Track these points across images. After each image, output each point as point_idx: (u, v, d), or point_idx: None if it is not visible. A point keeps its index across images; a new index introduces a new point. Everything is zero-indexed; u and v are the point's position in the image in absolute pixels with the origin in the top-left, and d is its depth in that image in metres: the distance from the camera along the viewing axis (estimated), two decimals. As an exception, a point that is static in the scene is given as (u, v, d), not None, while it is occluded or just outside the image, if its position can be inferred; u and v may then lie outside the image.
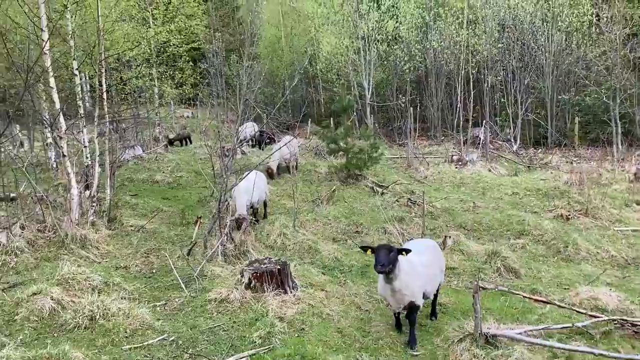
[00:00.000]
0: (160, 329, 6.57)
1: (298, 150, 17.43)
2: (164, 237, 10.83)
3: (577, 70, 23.45)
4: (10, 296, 7.19)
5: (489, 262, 9.30)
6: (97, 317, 6.50)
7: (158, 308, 7.36)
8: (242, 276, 7.46)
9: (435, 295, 7.15)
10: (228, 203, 9.57)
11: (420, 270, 6.26)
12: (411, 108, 22.90)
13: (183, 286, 7.98)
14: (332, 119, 19.65)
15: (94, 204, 10.94)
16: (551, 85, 23.41)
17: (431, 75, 25.68)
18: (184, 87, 21.42)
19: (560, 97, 23.42)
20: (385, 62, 26.53)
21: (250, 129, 22.28)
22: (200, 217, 9.77)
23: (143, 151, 18.79)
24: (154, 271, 9.00)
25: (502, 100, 24.42)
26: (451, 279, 8.88)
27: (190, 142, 21.81)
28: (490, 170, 17.51)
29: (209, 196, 13.59)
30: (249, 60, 30.70)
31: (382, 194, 14.08)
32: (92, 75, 11.87)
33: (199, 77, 27.67)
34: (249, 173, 11.00)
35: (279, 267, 7.42)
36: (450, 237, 10.20)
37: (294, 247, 10.11)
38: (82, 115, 11.15)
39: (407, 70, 24.83)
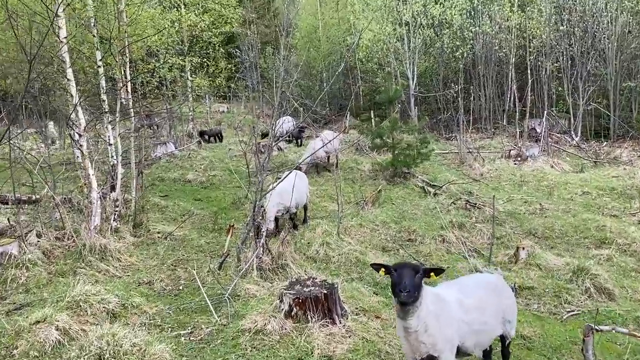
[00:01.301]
0: (182, 372, 5.36)
1: (339, 146, 16.05)
2: (194, 245, 9.70)
3: (644, 54, 21.27)
4: (12, 324, 6.10)
5: (575, 280, 7.75)
6: (107, 356, 5.33)
7: (183, 338, 6.17)
8: (281, 301, 6.19)
9: (505, 342, 5.22)
10: (264, 208, 8.30)
11: (456, 314, 4.40)
12: (462, 99, 21.23)
13: (212, 310, 6.77)
14: (372, 111, 18.23)
15: (117, 209, 9.88)
16: (615, 72, 21.31)
17: (480, 62, 23.87)
18: (218, 79, 20.31)
19: (625, 84, 21.30)
20: (431, 49, 24.84)
21: (287, 124, 21.05)
22: (233, 225, 8.56)
23: (176, 148, 17.80)
24: (181, 287, 7.85)
25: (560, 89, 22.44)
26: (530, 301, 7.40)
27: (222, 139, 20.72)
28: (552, 167, 15.77)
29: (243, 197, 12.41)
30: (285, 51, 29.58)
31: (435, 194, 12.61)
32: (111, 65, 10.72)
33: (233, 70, 26.60)
34: (289, 173, 9.75)
35: (325, 290, 6.11)
36: (523, 247, 8.69)
37: (339, 259, 8.80)
38: (106, 111, 10.09)
39: (458, 56, 23.07)
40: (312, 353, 5.60)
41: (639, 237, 9.59)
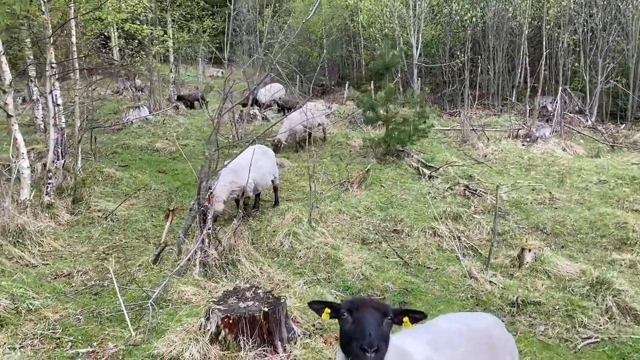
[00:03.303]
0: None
1: (326, 120, 14.38)
2: (137, 229, 8.20)
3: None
4: None
5: (593, 296, 6.21)
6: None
7: (78, 360, 4.70)
8: (207, 320, 4.68)
9: None
10: (212, 191, 6.74)
11: None
12: (468, 72, 19.42)
13: (128, 321, 5.28)
14: (372, 82, 16.50)
15: (50, 181, 8.34)
16: (637, 48, 19.39)
17: (491, 33, 21.93)
18: (202, 35, 18.48)
19: (647, 62, 19.42)
20: (439, 16, 22.86)
21: (280, 92, 19.34)
22: (173, 210, 7.03)
23: (150, 112, 16.17)
24: (106, 284, 6.36)
25: (576, 64, 20.56)
26: (535, 321, 5.88)
27: (206, 105, 19.06)
28: (565, 150, 14.09)
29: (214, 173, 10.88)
30: (282, 15, 27.61)
31: (431, 177, 11.01)
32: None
33: (228, 33, 24.69)
34: (247, 147, 8.17)
35: (265, 308, 4.59)
36: (529, 249, 7.14)
37: (307, 253, 7.28)
38: (31, 63, 8.47)
39: (466, 21, 21.13)
40: (237, 396, 4.12)
41: (668, 240, 8.02)
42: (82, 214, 8.48)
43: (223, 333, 4.51)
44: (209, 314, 4.64)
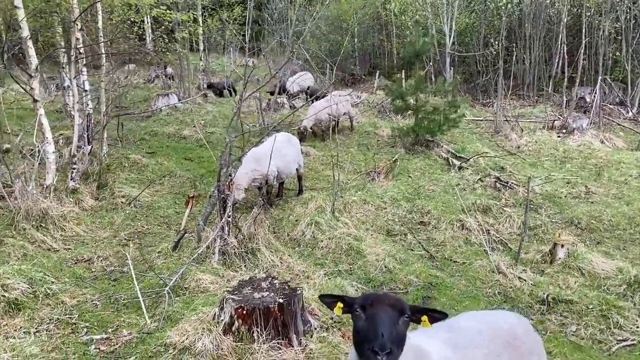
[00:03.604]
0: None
1: (352, 108, 14.10)
2: (159, 215, 8.16)
3: None
4: None
5: (630, 295, 5.86)
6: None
7: (92, 347, 4.64)
8: (221, 309, 4.55)
9: None
10: (232, 178, 6.61)
11: None
12: (502, 60, 18.84)
13: (144, 309, 5.21)
14: (403, 71, 16.12)
15: (74, 166, 8.36)
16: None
17: (527, 21, 21.19)
18: (233, 24, 18.38)
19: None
20: (473, 3, 22.21)
21: (309, 81, 19.12)
22: (193, 196, 6.93)
23: (179, 100, 16.19)
24: (125, 270, 6.30)
25: (617, 54, 19.71)
26: (567, 320, 5.56)
27: (234, 92, 18.99)
28: (603, 142, 13.50)
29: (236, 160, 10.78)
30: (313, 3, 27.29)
31: (461, 168, 10.66)
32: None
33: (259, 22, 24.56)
34: (266, 134, 8.01)
35: (280, 299, 4.44)
36: (562, 244, 6.79)
37: (328, 243, 7.10)
38: (60, 47, 8.47)
39: (502, 8, 20.47)
40: (249, 390, 3.98)
41: None
42: (106, 199, 8.49)
43: (236, 324, 4.38)
44: (223, 304, 4.51)
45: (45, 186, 7.95)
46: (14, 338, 4.58)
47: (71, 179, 8.29)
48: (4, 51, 7.74)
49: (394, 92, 12.17)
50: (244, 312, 4.35)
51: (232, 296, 4.52)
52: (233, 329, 4.40)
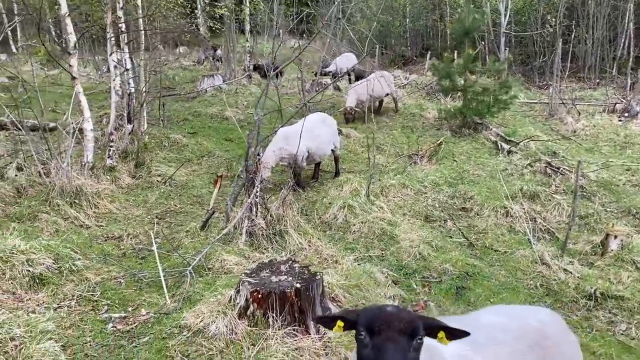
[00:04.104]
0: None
1: (395, 89, 13.61)
2: (193, 194, 8.09)
3: None
4: None
5: (690, 294, 5.30)
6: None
7: (110, 325, 4.57)
8: (237, 292, 4.37)
9: None
10: (260, 157, 6.42)
11: None
12: (560, 40, 17.74)
13: (165, 288, 5.11)
14: (456, 52, 15.44)
15: (111, 144, 8.40)
16: None
17: (591, -2, 19.89)
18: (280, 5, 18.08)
19: None
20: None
21: (352, 63, 18.68)
22: (221, 176, 6.79)
23: (224, 81, 16.16)
24: (154, 249, 6.24)
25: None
26: (616, 318, 5.07)
27: (280, 74, 18.80)
28: (669, 127, 12.48)
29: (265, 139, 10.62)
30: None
31: (509, 152, 10.08)
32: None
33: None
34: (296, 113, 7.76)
35: (298, 284, 4.21)
36: (615, 235, 6.23)
37: (361, 227, 6.82)
38: (101, 26, 8.48)
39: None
40: (260, 378, 3.79)
41: None
42: (142, 178, 8.50)
43: (252, 308, 4.19)
44: (240, 287, 4.33)
45: (83, 164, 8.03)
46: (34, 313, 4.57)
47: (108, 157, 8.34)
48: (39, 29, 7.78)
49: (440, 72, 11.63)
50: (260, 295, 4.15)
51: (248, 279, 4.33)
52: (248, 313, 4.21)
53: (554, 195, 7.89)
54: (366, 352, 1.98)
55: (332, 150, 8.59)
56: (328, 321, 2.19)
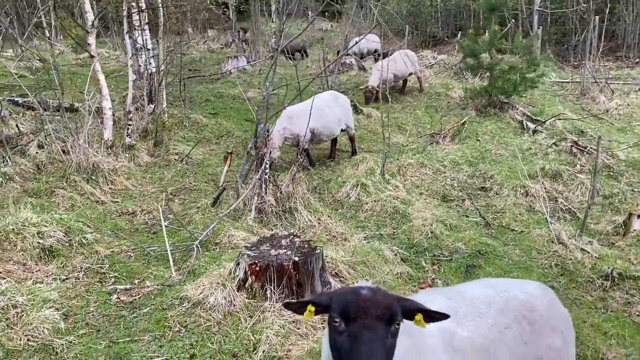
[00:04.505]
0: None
1: (419, 68, 13.31)
2: (208, 172, 8.11)
3: None
4: None
5: None
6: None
7: (114, 297, 4.62)
8: (237, 265, 4.36)
9: None
10: (270, 134, 6.36)
11: None
12: (596, 17, 17.02)
13: (171, 262, 5.14)
14: (486, 31, 15.00)
15: (130, 122, 8.48)
16: None
17: (632, -28, 18.99)
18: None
19: None
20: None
21: (375, 44, 18.38)
22: (231, 153, 6.76)
23: (248, 62, 16.16)
24: (166, 224, 6.29)
25: None
26: (633, 299, 4.84)
27: (307, 55, 18.68)
28: None
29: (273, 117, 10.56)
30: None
31: (535, 132, 9.75)
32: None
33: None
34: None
35: (296, 258, 4.15)
36: (638, 215, 5.95)
37: (373, 206, 6.71)
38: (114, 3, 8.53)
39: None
40: (254, 349, 3.77)
41: None
42: (161, 156, 8.57)
43: (250, 280, 4.16)
44: (239, 260, 4.31)
45: (102, 142, 8.14)
46: (42, 283, 4.67)
47: (127, 135, 8.43)
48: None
49: (465, 50, 11.31)
50: (257, 268, 4.12)
51: (248, 252, 4.30)
52: (247, 285, 4.19)
53: (578, 174, 7.59)
54: (340, 340, 1.82)
55: (343, 129, 8.43)
56: (299, 306, 2.00)
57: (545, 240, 5.84)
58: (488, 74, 12.09)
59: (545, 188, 7.19)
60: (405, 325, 1.94)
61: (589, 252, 5.44)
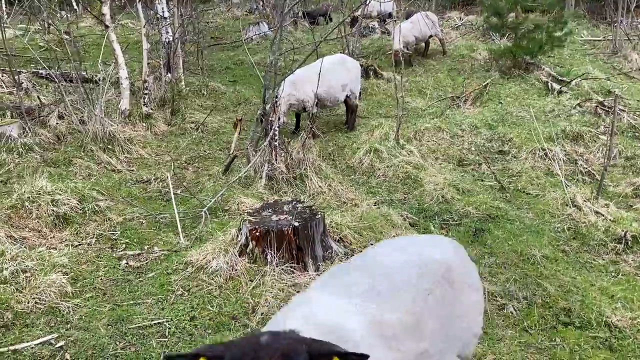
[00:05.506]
0: (61, 321, 3.87)
1: (440, 30, 12.90)
2: (222, 140, 8.15)
3: None
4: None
5: None
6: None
7: (124, 262, 4.75)
8: (239, 231, 4.40)
9: None
10: (278, 100, 6.32)
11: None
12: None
13: (180, 228, 5.23)
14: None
15: (146, 91, 8.54)
16: None
17: None
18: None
19: None
20: None
21: (388, 7, 17.86)
22: (241, 119, 6.75)
23: (269, 28, 15.99)
24: (179, 192, 6.39)
25: None
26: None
27: (331, 20, 18.34)
28: None
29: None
30: None
31: (559, 93, 9.42)
32: None
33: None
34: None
35: (296, 223, 4.17)
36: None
37: (386, 172, 6.64)
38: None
39: None
40: (253, 311, 3.83)
41: None
42: (177, 125, 8.64)
43: (251, 245, 4.21)
44: (241, 225, 4.35)
45: (120, 111, 8.26)
46: (55, 249, 4.82)
47: (144, 105, 8.51)
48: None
49: (488, 8, 10.92)
50: (257, 233, 4.15)
51: (250, 217, 4.33)
52: (248, 250, 4.24)
53: (601, 136, 7.33)
54: None
55: (347, 97, 8.19)
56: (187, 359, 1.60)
57: (560, 204, 5.69)
58: (506, 31, 11.70)
59: (565, 150, 6.98)
60: (330, 335, 1.78)
61: (603, 215, 5.28)
